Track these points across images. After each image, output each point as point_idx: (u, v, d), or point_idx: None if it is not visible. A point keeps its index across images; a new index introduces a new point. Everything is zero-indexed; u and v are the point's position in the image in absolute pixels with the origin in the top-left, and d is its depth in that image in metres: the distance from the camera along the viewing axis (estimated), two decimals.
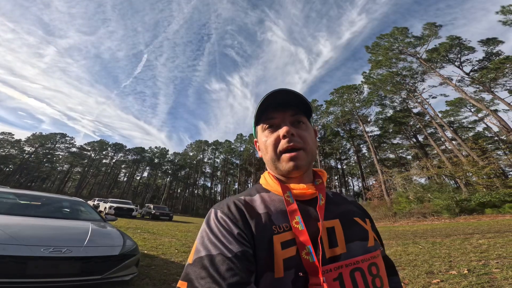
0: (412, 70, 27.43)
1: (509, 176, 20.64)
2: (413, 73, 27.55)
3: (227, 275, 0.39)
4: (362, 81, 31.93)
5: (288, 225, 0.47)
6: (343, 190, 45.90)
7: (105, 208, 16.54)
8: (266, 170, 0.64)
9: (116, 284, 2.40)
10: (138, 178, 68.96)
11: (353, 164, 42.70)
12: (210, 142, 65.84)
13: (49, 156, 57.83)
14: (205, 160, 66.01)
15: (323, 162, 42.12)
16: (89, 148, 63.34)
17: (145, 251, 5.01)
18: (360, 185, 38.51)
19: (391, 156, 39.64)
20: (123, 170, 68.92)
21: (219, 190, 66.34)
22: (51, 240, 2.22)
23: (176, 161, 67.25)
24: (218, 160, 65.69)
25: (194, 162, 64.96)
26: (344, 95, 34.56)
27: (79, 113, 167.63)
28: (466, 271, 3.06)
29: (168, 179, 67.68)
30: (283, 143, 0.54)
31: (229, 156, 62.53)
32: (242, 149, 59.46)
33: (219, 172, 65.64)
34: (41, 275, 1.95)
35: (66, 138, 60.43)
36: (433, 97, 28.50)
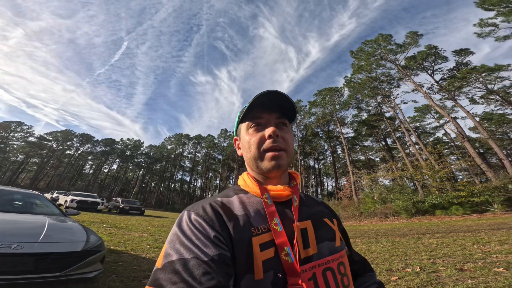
0: (389, 76, 29.38)
1: (459, 180, 23.28)
2: (390, 79, 29.54)
3: (204, 279, 0.37)
4: (343, 84, 33.36)
5: (266, 226, 0.48)
6: (319, 189, 48.08)
7: (66, 201, 15.14)
8: (245, 171, 0.65)
9: (79, 281, 2.20)
10: (106, 170, 64.61)
11: (329, 165, 44.71)
12: (191, 136, 64.07)
13: (1, 146, 51.15)
14: (185, 154, 64.28)
15: (303, 161, 43.48)
16: (51, 138, 57.81)
17: (112, 247, 4.66)
18: (334, 185, 40.51)
19: (362, 157, 42.37)
20: (89, 162, 64.06)
21: (199, 185, 65.12)
22: None
23: (151, 154, 64.20)
24: (199, 155, 64.39)
25: (172, 155, 62.77)
26: (326, 97, 35.92)
27: (42, 101, 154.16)
28: (418, 269, 3.32)
29: (140, 172, 64.46)
30: (267, 143, 0.55)
31: (211, 151, 61.54)
32: (225, 144, 58.76)
33: (199, 166, 64.29)
34: None
35: (23, 126, 54.49)
36: (404, 103, 30.98)
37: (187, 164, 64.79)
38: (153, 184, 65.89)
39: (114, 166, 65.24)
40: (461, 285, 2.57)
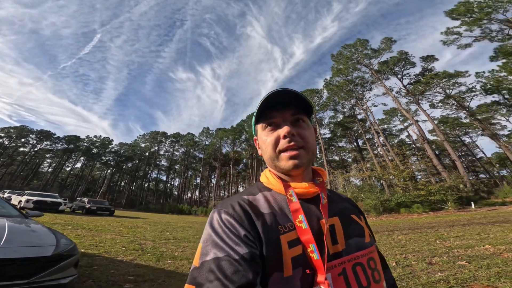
0: (364, 79, 31.33)
1: (418, 180, 25.63)
2: (364, 82, 31.52)
3: (235, 277, 0.39)
4: (323, 86, 34.86)
5: (293, 224, 0.48)
6: None
7: (20, 202, 13.44)
8: (267, 168, 0.64)
9: None
10: (68, 169, 59.06)
11: None
12: (169, 134, 61.37)
13: None
14: (161, 152, 61.48)
15: None
16: (2, 135, 51.28)
17: (82, 250, 4.26)
18: None
19: (336, 158, 44.65)
20: (48, 160, 57.88)
21: (176, 184, 62.80)
22: None
23: (122, 152, 60.47)
24: (177, 153, 62.09)
25: (147, 154, 59.80)
26: (307, 98, 37.34)
27: None
28: (394, 264, 3.54)
29: (109, 171, 59.98)
30: (283, 143, 0.54)
31: (191, 150, 59.52)
32: (207, 143, 57.38)
33: (178, 165, 62.00)
34: None
35: None
36: (375, 106, 33.31)
37: (164, 162, 62.17)
38: (123, 183, 61.92)
39: (78, 165, 59.98)
40: (433, 277, 2.80)
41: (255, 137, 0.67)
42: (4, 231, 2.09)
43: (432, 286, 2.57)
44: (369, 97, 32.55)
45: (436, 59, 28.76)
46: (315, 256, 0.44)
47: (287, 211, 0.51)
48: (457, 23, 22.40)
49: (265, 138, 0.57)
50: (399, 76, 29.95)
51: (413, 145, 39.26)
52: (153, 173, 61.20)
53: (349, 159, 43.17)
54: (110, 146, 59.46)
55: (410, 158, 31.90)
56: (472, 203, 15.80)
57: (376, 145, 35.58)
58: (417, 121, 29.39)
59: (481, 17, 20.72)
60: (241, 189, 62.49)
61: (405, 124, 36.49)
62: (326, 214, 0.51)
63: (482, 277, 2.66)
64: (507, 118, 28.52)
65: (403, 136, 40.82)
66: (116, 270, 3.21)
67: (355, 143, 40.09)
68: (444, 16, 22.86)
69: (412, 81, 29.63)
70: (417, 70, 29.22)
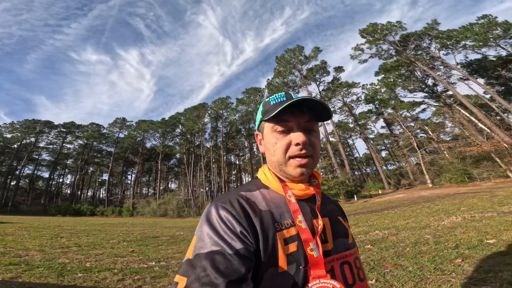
0: (295, 83, 35.22)
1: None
2: (294, 86, 35.47)
3: (227, 272, 0.40)
4: (265, 86, 36.63)
5: (289, 222, 0.51)
6: (238, 184, 49.78)
7: None
8: (265, 164, 0.65)
9: None
10: None
11: (247, 161, 47.10)
12: (56, 124, 48.13)
13: None
14: (42, 144, 48.80)
15: (225, 157, 43.37)
16: None
17: None
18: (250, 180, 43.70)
19: None
20: None
21: (68, 181, 51.07)
22: None
23: None
24: (71, 146, 49.76)
25: (15, 146, 46.97)
26: (251, 96, 37.99)
27: None
28: None
29: None
30: (294, 150, 0.54)
31: (94, 142, 48.25)
32: (122, 135, 48.35)
33: (70, 160, 49.91)
34: None
35: None
36: None
37: (45, 156, 48.61)
38: None
39: None
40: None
41: (257, 132, 0.66)
42: None
43: None
44: None
45: (343, 70, 36.13)
46: (314, 253, 0.46)
47: (284, 210, 0.53)
48: (364, 41, 28.23)
49: (274, 141, 0.56)
50: (317, 83, 35.62)
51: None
52: (26, 168, 47.31)
53: None
54: None
55: None
56: (355, 196, 21.09)
57: None
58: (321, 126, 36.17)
59: (379, 38, 26.93)
60: (172, 185, 57.96)
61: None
62: (320, 215, 0.54)
63: (388, 258, 3.02)
64: (375, 124, 39.94)
65: None
66: None
67: None
68: (358, 33, 28.34)
69: (325, 88, 35.85)
70: (330, 78, 35.69)
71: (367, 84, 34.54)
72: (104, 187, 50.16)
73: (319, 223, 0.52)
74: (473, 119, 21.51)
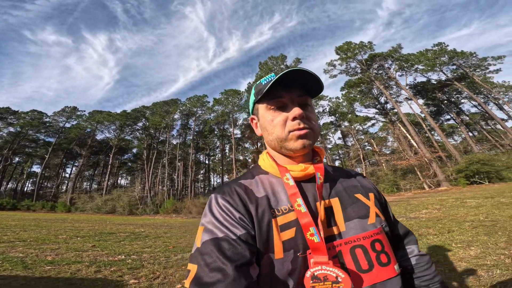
0: None
1: None
2: None
3: (234, 257, 0.41)
4: (245, 89, 36.45)
5: (287, 207, 0.49)
6: (205, 184, 47.86)
7: None
8: (265, 150, 0.64)
9: None
10: None
11: (217, 161, 45.77)
12: None
13: None
14: None
15: (194, 156, 41.21)
16: None
17: None
18: (219, 181, 42.91)
19: (241, 157, 48.20)
20: None
21: None
22: None
23: None
24: None
25: None
26: (230, 97, 37.27)
27: None
28: None
29: None
30: (293, 124, 0.53)
31: (31, 131, 40.78)
32: (68, 125, 42.12)
33: None
34: None
35: None
36: None
37: None
38: None
39: None
40: None
41: (252, 117, 0.65)
42: None
43: None
44: None
45: None
46: (315, 239, 0.44)
47: (282, 194, 0.52)
48: (337, 57, 30.99)
49: (271, 118, 0.55)
50: None
51: None
52: None
53: (249, 160, 48.15)
54: None
55: None
56: None
57: None
58: None
59: (351, 56, 29.79)
60: (123, 181, 53.88)
61: None
62: (321, 195, 0.51)
63: None
64: (333, 135, 43.93)
65: None
66: None
67: (257, 145, 45.56)
68: (334, 49, 31.05)
69: None
70: None
71: (332, 98, 37.80)
72: (31, 180, 43.06)
73: (321, 204, 0.49)
74: (408, 135, 25.23)
